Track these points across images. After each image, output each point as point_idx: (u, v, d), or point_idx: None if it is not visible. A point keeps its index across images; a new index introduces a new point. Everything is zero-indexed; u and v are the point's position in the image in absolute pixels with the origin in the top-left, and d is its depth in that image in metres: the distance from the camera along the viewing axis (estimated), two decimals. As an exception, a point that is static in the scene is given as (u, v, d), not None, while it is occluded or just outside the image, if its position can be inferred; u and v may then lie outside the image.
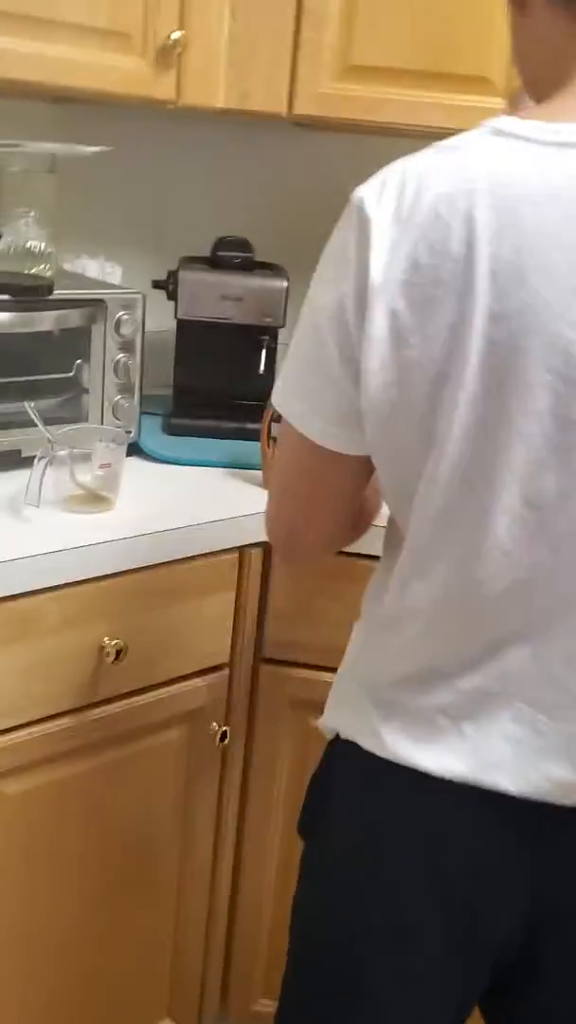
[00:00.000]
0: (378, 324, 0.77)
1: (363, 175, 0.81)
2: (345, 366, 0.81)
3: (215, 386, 1.63)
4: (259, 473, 1.44)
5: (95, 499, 1.29)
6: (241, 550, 1.33)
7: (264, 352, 1.57)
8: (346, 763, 0.94)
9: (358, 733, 0.92)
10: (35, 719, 1.21)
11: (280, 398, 0.88)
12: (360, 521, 0.97)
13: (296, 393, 0.86)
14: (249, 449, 1.46)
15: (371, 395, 0.80)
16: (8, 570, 1.13)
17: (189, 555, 1.28)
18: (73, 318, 1.38)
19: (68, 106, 1.60)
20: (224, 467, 1.49)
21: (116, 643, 1.22)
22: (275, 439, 1.38)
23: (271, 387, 0.91)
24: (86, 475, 1.29)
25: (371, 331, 0.78)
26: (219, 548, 1.30)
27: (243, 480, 1.45)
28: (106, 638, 1.22)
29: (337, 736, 0.96)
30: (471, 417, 0.77)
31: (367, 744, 0.91)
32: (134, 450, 1.49)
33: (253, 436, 1.45)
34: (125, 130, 1.67)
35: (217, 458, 1.51)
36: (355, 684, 0.94)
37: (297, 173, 1.87)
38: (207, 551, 1.29)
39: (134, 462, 1.47)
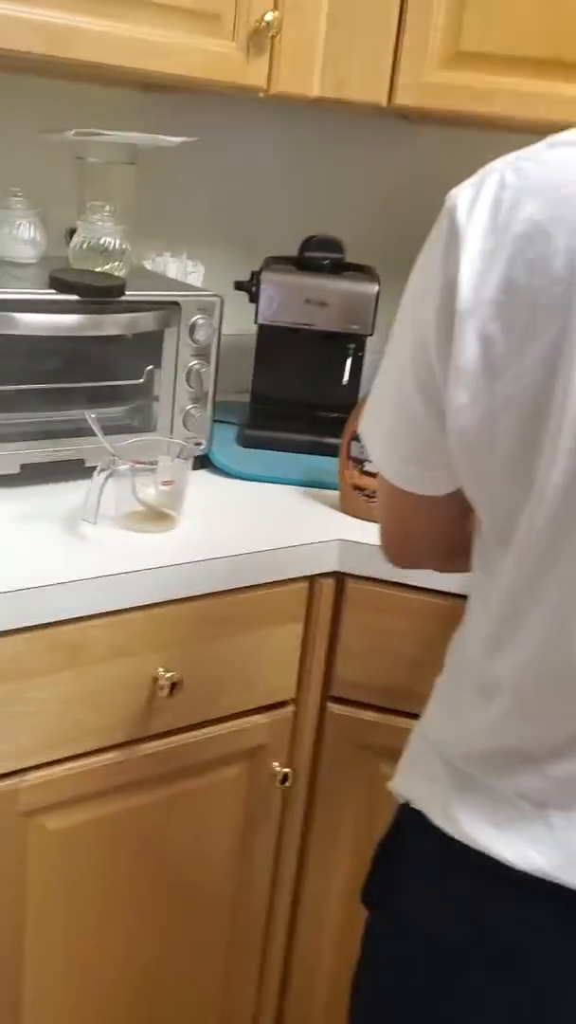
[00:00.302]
0: (468, 352, 0.67)
1: (469, 173, 0.71)
2: (426, 403, 0.72)
3: (294, 396, 1.54)
4: (336, 494, 1.33)
5: (157, 517, 1.20)
6: (311, 579, 1.23)
7: (349, 361, 1.47)
8: (417, 837, 0.85)
9: (431, 807, 0.83)
10: (84, 752, 1.13)
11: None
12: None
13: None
14: (327, 466, 1.36)
15: (458, 432, 0.70)
16: (57, 594, 1.05)
17: (255, 583, 1.18)
18: (145, 321, 1.29)
19: (155, 94, 1.52)
20: (299, 485, 1.39)
21: (171, 675, 1.13)
22: (354, 459, 1.27)
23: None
24: (149, 488, 1.20)
25: (459, 361, 0.68)
26: (288, 577, 1.20)
27: (318, 501, 1.34)
28: (161, 669, 1.13)
29: (409, 802, 0.86)
30: (572, 465, 0.65)
31: (439, 822, 0.81)
32: (204, 462, 1.41)
33: (332, 452, 1.34)
34: (213, 120, 1.59)
35: (291, 475, 1.41)
36: (431, 751, 0.85)
37: (397, 169, 1.76)
38: (274, 579, 1.19)
39: (203, 475, 1.38)
